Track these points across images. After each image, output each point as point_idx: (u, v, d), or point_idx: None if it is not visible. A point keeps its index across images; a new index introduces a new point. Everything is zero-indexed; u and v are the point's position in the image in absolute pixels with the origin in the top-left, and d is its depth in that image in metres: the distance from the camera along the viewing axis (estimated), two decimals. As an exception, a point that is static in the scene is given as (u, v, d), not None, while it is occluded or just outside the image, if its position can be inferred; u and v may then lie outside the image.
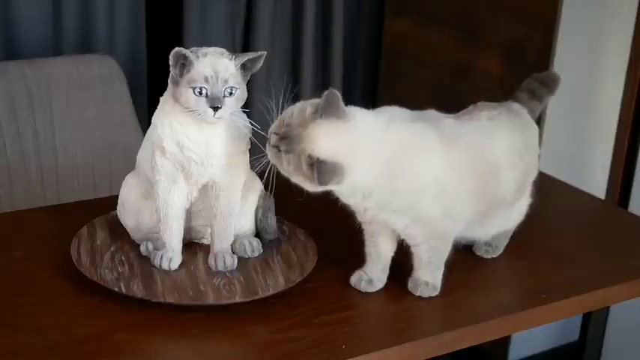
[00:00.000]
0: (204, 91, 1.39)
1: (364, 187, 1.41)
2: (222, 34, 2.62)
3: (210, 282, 1.46)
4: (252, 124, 1.46)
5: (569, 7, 2.34)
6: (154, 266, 1.48)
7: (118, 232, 1.57)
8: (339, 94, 1.37)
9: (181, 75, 1.40)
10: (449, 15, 2.67)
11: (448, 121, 1.51)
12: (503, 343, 2.66)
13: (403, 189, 1.42)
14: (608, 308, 2.43)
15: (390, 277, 1.52)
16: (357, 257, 1.52)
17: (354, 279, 1.51)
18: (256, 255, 1.55)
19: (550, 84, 1.65)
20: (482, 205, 1.51)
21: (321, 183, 1.36)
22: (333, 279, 1.52)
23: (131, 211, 1.53)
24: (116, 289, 1.41)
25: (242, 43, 2.70)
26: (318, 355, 1.33)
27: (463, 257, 1.58)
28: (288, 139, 1.37)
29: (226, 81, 1.40)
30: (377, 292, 1.50)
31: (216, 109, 1.39)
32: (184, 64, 1.39)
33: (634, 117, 2.40)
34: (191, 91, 1.39)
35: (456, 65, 2.67)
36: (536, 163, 1.62)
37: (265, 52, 1.44)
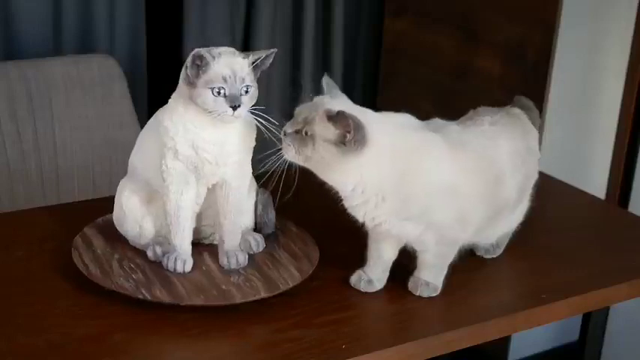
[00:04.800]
0: (222, 91, 1.39)
1: (377, 188, 1.40)
2: (222, 34, 2.62)
3: (229, 281, 1.46)
4: (269, 121, 1.43)
5: (569, 6, 2.33)
6: (167, 270, 1.47)
7: (113, 238, 1.55)
8: (332, 82, 1.44)
9: (197, 76, 1.39)
10: (449, 15, 2.67)
11: (453, 127, 1.51)
12: (503, 343, 2.66)
13: (416, 193, 1.42)
14: (608, 308, 2.43)
15: (390, 277, 1.52)
16: (357, 257, 1.52)
17: (353, 279, 1.51)
18: (260, 250, 1.56)
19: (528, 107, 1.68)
20: (490, 210, 1.51)
21: (355, 130, 1.34)
22: (333, 279, 1.52)
23: (133, 217, 1.52)
24: (140, 297, 1.39)
25: (242, 43, 2.70)
26: (318, 355, 1.33)
27: (463, 257, 1.58)
28: (303, 122, 1.38)
29: (243, 80, 1.40)
30: (377, 292, 1.50)
31: (235, 108, 1.39)
32: (199, 65, 1.39)
33: (634, 117, 2.41)
34: (209, 91, 1.39)
35: (456, 65, 2.67)
36: (536, 166, 1.62)
37: (276, 50, 1.45)
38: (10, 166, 2.18)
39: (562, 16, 2.32)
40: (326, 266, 1.53)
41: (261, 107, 1.44)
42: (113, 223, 1.56)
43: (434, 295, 1.49)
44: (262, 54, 1.43)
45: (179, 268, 1.47)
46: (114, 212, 1.55)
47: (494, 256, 1.63)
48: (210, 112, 1.39)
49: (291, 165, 1.40)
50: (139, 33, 2.54)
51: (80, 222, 1.60)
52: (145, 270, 1.48)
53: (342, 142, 1.36)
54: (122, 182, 1.55)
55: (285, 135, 1.39)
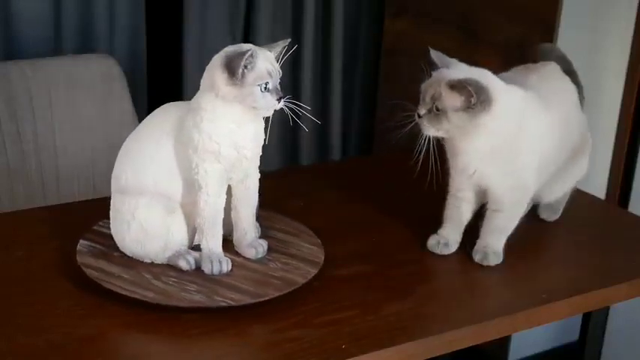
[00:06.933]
0: (267, 86, 1.40)
1: (497, 143, 1.49)
2: (222, 34, 2.62)
3: (272, 269, 1.49)
4: (299, 105, 1.44)
5: (569, 7, 2.34)
6: (210, 274, 1.46)
7: (117, 261, 1.50)
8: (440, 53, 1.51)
9: (243, 75, 1.39)
10: (449, 15, 2.66)
11: (532, 81, 1.60)
12: (504, 343, 2.66)
13: (522, 148, 1.52)
14: (608, 308, 2.43)
15: (393, 276, 1.52)
16: (357, 257, 1.52)
17: (431, 242, 1.60)
18: (259, 235, 1.57)
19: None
20: (559, 159, 1.64)
21: (477, 92, 1.43)
22: (333, 279, 1.52)
23: (156, 233, 1.48)
24: (224, 305, 1.39)
25: (242, 43, 2.69)
26: (318, 355, 1.33)
27: (463, 258, 1.59)
28: (431, 100, 1.47)
29: (279, 71, 1.43)
30: (377, 291, 1.50)
31: (280, 99, 1.41)
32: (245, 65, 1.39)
33: (634, 117, 2.40)
34: (258, 88, 1.40)
35: (456, 65, 2.67)
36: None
37: (289, 40, 1.47)
38: (10, 166, 2.18)
39: (562, 16, 2.32)
40: (326, 266, 1.53)
41: (289, 95, 1.45)
42: (95, 244, 1.53)
43: (498, 262, 1.57)
44: (281, 45, 1.46)
45: (224, 270, 1.47)
46: (127, 235, 1.49)
47: (557, 217, 1.75)
48: (259, 108, 1.41)
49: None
50: (138, 33, 2.54)
51: (80, 222, 1.60)
52: (190, 280, 1.45)
53: (469, 107, 1.45)
54: (126, 203, 1.49)
55: (419, 117, 1.48)
